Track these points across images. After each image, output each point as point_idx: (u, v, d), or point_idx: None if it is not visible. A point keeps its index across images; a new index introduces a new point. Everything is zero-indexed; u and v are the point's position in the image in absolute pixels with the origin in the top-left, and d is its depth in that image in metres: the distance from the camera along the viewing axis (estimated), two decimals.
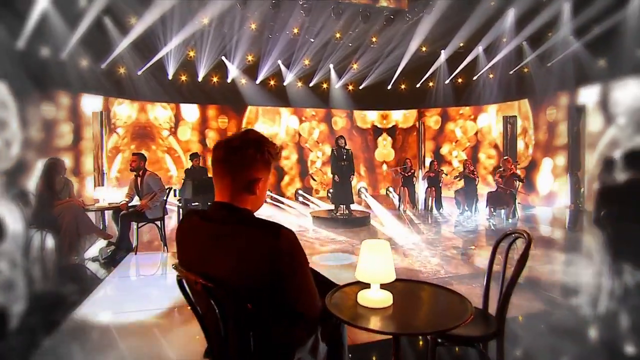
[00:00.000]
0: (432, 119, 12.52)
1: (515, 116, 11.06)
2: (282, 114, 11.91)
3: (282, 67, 11.16)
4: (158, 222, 5.65)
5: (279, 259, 1.37)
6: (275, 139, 11.19)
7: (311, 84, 11.84)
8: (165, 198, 5.72)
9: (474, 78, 11.45)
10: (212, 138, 10.97)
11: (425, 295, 1.98)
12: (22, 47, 7.24)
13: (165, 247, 5.68)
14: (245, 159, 1.51)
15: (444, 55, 11.15)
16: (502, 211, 8.03)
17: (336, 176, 7.62)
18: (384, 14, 9.26)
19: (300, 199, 11.57)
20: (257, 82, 11.27)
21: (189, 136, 10.88)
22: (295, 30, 9.88)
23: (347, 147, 7.76)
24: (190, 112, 10.91)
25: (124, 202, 5.52)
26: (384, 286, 1.75)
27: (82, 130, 8.41)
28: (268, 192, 11.26)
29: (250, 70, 11.13)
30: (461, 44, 10.79)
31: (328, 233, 6.95)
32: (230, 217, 1.49)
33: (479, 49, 10.67)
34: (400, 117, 13.03)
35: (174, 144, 10.80)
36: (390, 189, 12.18)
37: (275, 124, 11.84)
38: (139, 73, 9.95)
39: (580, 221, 8.19)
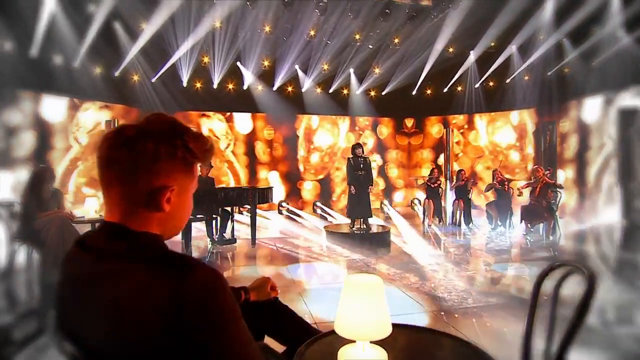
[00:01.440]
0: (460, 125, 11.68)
1: (554, 122, 10.07)
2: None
3: (300, 72, 10.67)
4: None
5: (188, 311, 0.81)
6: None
7: (331, 90, 11.29)
8: None
9: (507, 81, 10.56)
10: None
11: (440, 356, 1.34)
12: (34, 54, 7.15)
13: None
14: (142, 157, 0.91)
15: (473, 56, 10.32)
16: (541, 226, 7.11)
17: (352, 187, 6.96)
18: (406, 12, 8.56)
19: (319, 211, 10.94)
20: (275, 88, 10.84)
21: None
22: (312, 32, 9.34)
23: (364, 155, 7.10)
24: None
25: None
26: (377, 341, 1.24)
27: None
28: (285, 204, 10.74)
29: (267, 76, 10.71)
30: (492, 44, 9.94)
31: (342, 250, 6.27)
32: (109, 249, 0.91)
33: (512, 48, 9.79)
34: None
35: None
36: (416, 200, 11.38)
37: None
38: (153, 80, 9.73)
39: (636, 239, 7.14)
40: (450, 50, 10.41)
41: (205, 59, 10.09)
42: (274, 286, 1.78)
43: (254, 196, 6.55)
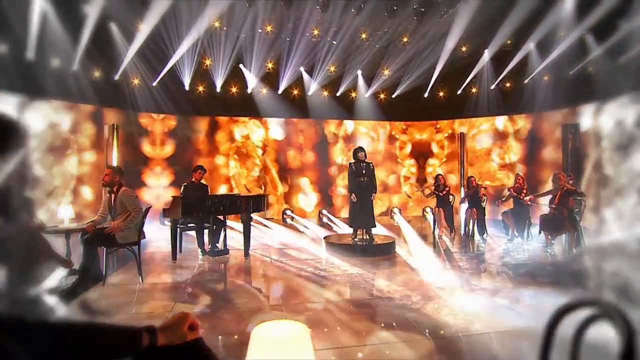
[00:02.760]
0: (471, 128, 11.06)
1: (578, 124, 9.37)
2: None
3: (305, 75, 10.27)
4: (133, 248, 4.77)
5: None
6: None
7: (338, 93, 10.84)
8: (143, 219, 4.85)
9: (525, 82, 9.91)
10: None
11: None
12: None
13: (141, 278, 4.77)
14: None
15: (487, 55, 9.72)
16: (563, 238, 6.46)
17: (353, 195, 6.45)
18: (413, 7, 8.02)
19: (325, 219, 10.46)
20: (280, 92, 10.46)
21: None
22: (316, 32, 8.89)
23: (367, 160, 6.60)
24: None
25: (90, 222, 4.69)
26: None
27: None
28: (289, 212, 10.32)
29: (270, 79, 10.34)
30: (508, 41, 9.31)
31: (341, 263, 5.76)
32: None
33: (530, 46, 9.15)
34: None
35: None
36: (428, 209, 10.77)
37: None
38: (154, 84, 9.48)
39: None
40: (463, 49, 9.83)
41: (207, 62, 9.79)
42: (195, 325, 1.31)
43: (248, 204, 6.12)
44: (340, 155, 11.14)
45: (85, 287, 4.44)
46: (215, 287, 4.73)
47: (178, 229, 5.96)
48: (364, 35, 9.30)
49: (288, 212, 10.46)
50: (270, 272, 5.38)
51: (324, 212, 10.66)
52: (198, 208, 5.73)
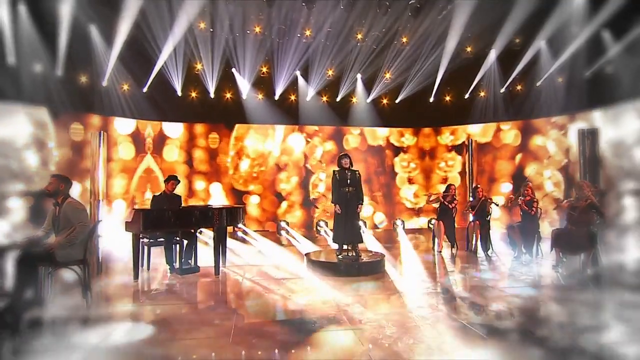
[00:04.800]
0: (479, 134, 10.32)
1: (596, 129, 8.56)
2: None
3: (300, 80, 9.76)
4: (76, 267, 4.26)
5: None
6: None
7: (338, 98, 10.28)
8: (92, 234, 4.36)
9: (538, 84, 9.15)
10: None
11: None
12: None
13: (86, 302, 4.24)
14: None
15: (494, 55, 8.99)
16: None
17: (337, 207, 5.84)
18: (409, 3, 7.38)
19: (322, 232, 9.85)
20: (276, 97, 9.99)
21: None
22: (308, 33, 8.35)
23: (353, 168, 5.99)
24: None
25: (24, 239, 4.21)
26: None
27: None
28: (284, 224, 9.76)
29: (262, 84, 9.88)
30: (517, 40, 8.58)
31: (319, 284, 5.14)
32: None
33: (541, 44, 8.40)
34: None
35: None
36: (434, 221, 10.01)
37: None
38: (144, 90, 9.14)
39: None
40: (468, 49, 9.14)
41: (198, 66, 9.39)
42: None
43: (221, 217, 5.60)
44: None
45: (17, 315, 3.93)
46: (158, 313, 4.17)
47: (143, 244, 5.48)
48: (359, 36, 8.71)
49: (283, 224, 9.91)
50: (231, 296, 4.82)
51: (322, 222, 10.07)
52: (163, 221, 5.23)
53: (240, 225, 9.78)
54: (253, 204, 10.17)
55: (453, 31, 7.89)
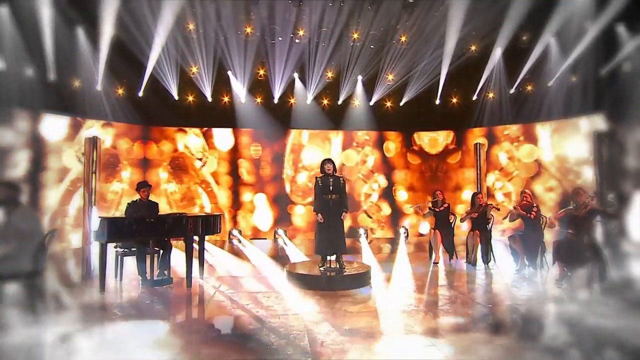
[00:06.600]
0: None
1: (614, 131, 7.94)
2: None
3: (298, 83, 9.45)
4: (25, 280, 4.01)
5: None
6: None
7: (339, 102, 9.91)
8: (43, 244, 4.12)
9: (549, 84, 8.55)
10: None
11: None
12: None
13: (32, 317, 3.94)
14: None
15: (500, 54, 8.44)
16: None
17: (319, 215, 5.46)
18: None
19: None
20: (275, 101, 9.71)
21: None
22: (301, 33, 7.99)
23: (336, 174, 5.61)
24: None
25: None
26: None
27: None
28: (280, 232, 9.46)
29: (259, 87, 9.63)
30: (523, 37, 8.02)
31: (293, 301, 4.75)
32: None
33: (550, 41, 7.82)
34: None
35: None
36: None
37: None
38: (140, 94, 9.05)
39: None
40: (473, 48, 8.62)
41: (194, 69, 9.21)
42: None
43: (196, 225, 5.31)
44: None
45: None
46: (106, 330, 3.87)
47: (117, 253, 5.26)
48: (355, 36, 8.32)
49: (235, 232, 9.53)
50: (195, 311, 4.51)
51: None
52: (130, 230, 4.97)
53: (234, 232, 9.54)
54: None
55: (452, 29, 7.38)
